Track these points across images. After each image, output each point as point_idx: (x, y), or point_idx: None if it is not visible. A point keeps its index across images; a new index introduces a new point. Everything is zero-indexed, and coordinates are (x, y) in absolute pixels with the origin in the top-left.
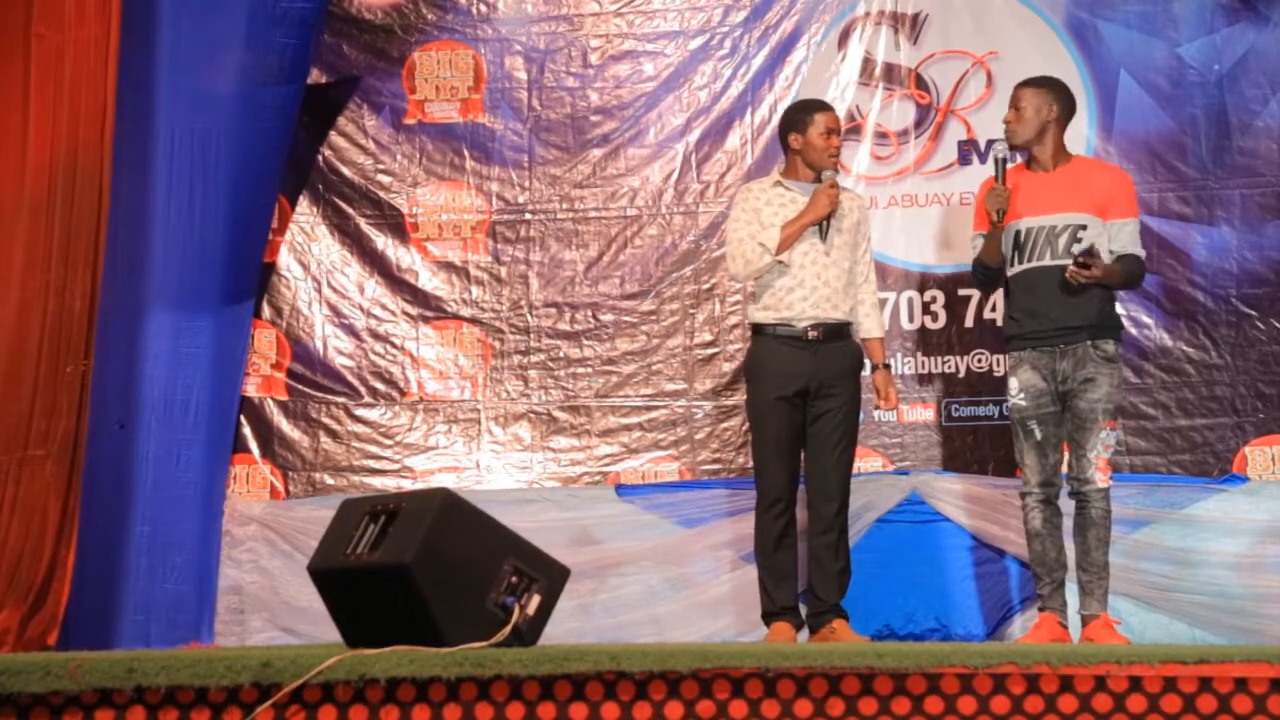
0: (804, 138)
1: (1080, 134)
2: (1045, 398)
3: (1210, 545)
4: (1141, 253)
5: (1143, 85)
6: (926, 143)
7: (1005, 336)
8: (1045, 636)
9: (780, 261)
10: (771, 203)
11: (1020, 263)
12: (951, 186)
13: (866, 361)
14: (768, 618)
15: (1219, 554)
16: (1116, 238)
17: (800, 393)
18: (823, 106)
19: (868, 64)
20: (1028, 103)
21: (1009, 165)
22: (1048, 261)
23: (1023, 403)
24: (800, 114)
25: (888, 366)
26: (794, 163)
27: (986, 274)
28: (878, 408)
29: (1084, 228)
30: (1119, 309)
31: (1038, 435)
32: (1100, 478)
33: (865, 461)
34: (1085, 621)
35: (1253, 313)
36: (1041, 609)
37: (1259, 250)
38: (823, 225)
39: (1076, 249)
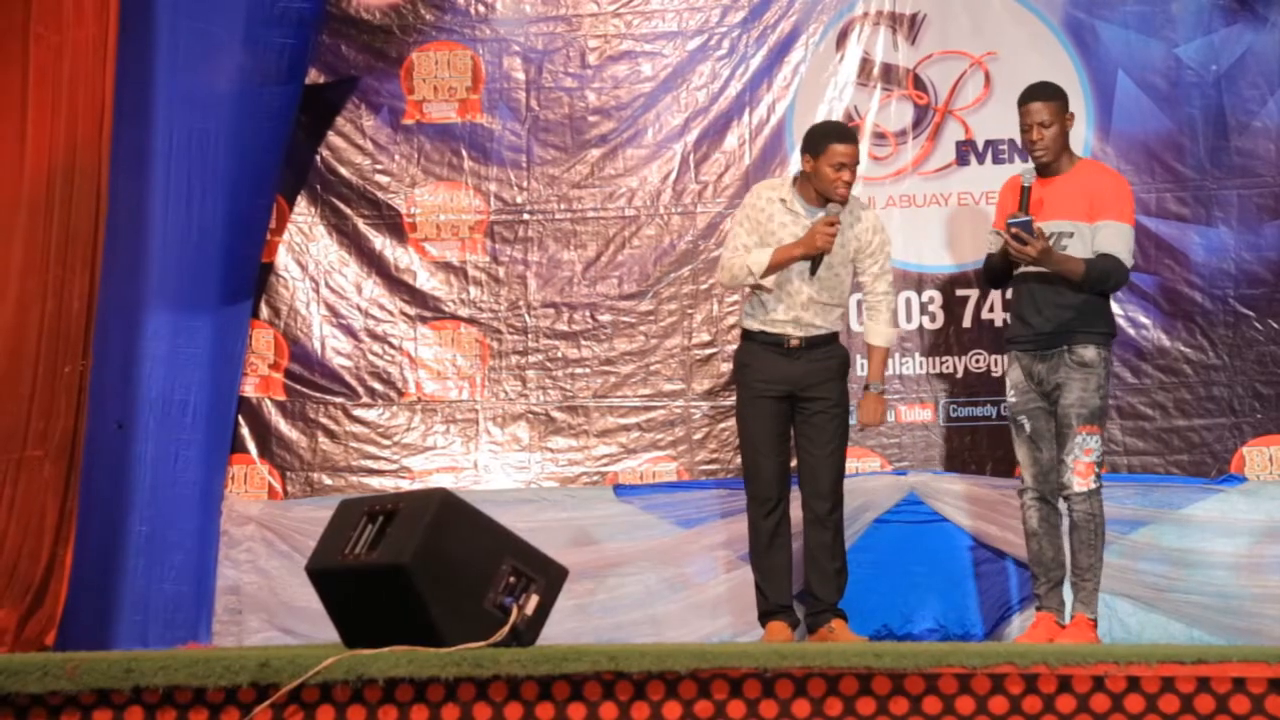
0: (815, 163)
1: (1078, 134)
2: (1031, 394)
3: (1208, 546)
4: (1123, 256)
5: (1141, 86)
6: (924, 143)
7: (1005, 338)
8: (1042, 636)
9: (763, 286)
10: (774, 218)
11: (1019, 268)
12: (949, 187)
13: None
14: (763, 617)
15: (1217, 554)
16: (1096, 237)
17: (786, 395)
18: (843, 136)
19: (866, 64)
20: (1052, 116)
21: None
22: (1034, 268)
23: (1013, 399)
24: (818, 139)
25: (881, 391)
26: (805, 183)
27: (993, 273)
28: (861, 425)
29: (1070, 235)
30: (1118, 309)
31: (1027, 429)
32: (1079, 482)
33: (863, 462)
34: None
35: (1250, 313)
36: (1039, 609)
37: (1257, 251)
38: (814, 260)
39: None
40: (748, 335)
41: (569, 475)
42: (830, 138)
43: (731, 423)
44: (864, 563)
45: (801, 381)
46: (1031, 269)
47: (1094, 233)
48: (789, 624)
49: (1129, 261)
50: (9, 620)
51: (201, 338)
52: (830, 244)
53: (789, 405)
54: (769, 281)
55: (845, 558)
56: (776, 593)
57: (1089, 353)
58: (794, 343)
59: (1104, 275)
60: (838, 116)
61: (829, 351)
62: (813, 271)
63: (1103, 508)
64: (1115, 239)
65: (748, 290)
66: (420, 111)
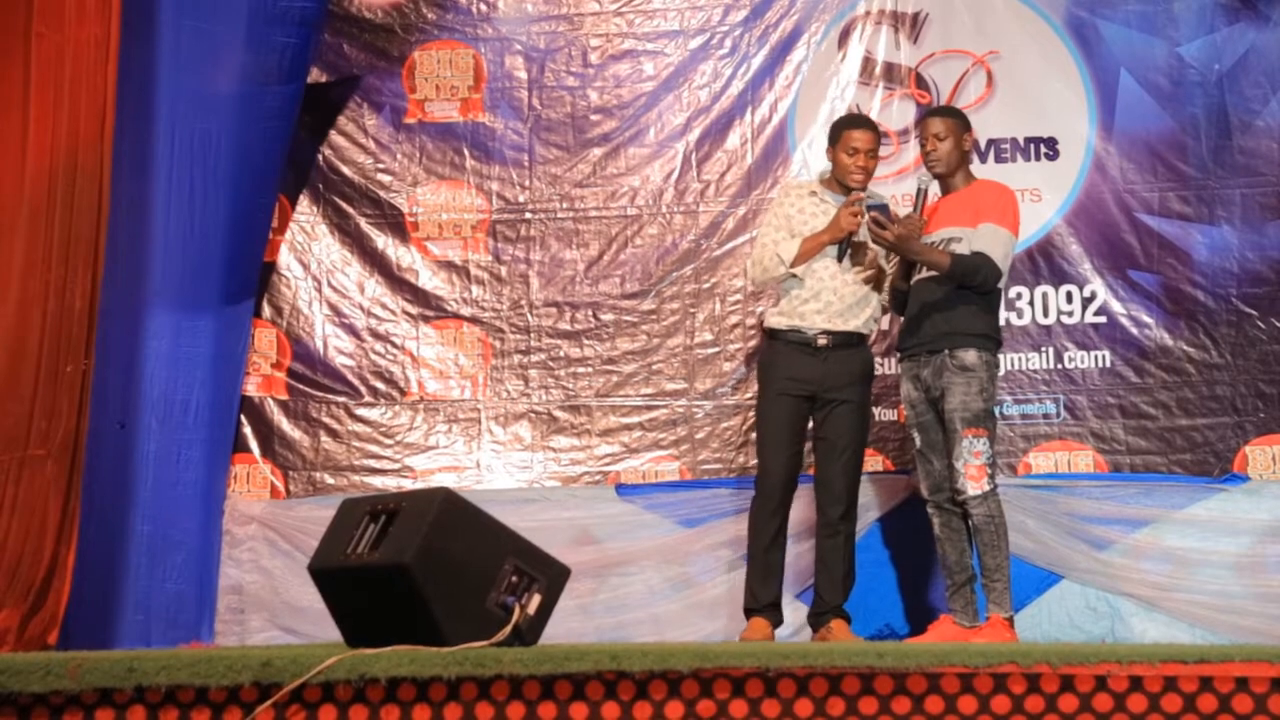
0: (834, 152)
1: (1080, 134)
2: (920, 406)
3: (1211, 545)
4: (995, 256)
5: (1143, 85)
6: None
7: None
8: (934, 637)
9: (794, 275)
10: (804, 210)
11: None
12: None
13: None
14: (748, 613)
15: (1220, 554)
16: (975, 238)
17: (809, 396)
18: (859, 124)
19: (868, 63)
20: (947, 131)
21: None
22: (922, 275)
23: (907, 412)
24: (836, 127)
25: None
26: (832, 176)
27: (896, 295)
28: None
29: (959, 240)
30: (1121, 309)
31: (917, 443)
32: (972, 486)
33: (866, 461)
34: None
35: (1253, 312)
36: (949, 611)
37: (1259, 250)
38: (842, 244)
39: (865, 201)
40: (773, 334)
41: (571, 475)
42: (845, 125)
43: (734, 422)
44: (867, 562)
45: (825, 382)
46: (921, 276)
47: (974, 235)
48: (772, 622)
49: (1002, 264)
50: (11, 620)
51: (203, 337)
52: (855, 225)
53: (809, 405)
54: (799, 271)
55: (854, 561)
56: (767, 591)
57: (969, 356)
58: (821, 341)
59: (972, 269)
60: (840, 115)
61: (855, 354)
62: (840, 257)
63: (1001, 508)
64: (990, 239)
65: (775, 288)
66: (422, 110)
